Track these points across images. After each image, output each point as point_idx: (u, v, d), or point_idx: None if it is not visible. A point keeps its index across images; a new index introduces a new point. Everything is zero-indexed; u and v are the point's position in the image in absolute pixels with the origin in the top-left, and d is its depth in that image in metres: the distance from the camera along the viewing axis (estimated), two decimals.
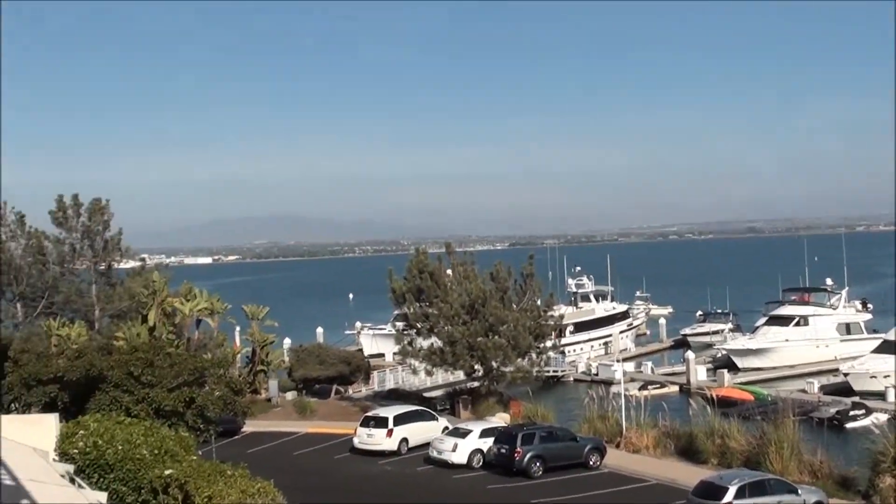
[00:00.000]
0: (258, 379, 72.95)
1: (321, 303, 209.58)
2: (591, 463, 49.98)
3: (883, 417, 66.45)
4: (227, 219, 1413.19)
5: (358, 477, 50.49)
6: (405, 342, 67.01)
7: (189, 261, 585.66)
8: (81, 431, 33.85)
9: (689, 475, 44.71)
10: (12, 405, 49.12)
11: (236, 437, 60.25)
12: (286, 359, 77.97)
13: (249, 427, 62.78)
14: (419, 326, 66.23)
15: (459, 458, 50.95)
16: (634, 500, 43.82)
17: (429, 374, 69.98)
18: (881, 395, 74.81)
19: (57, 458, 31.55)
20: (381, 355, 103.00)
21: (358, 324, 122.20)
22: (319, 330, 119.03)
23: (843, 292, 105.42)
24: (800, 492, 38.93)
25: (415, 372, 70.48)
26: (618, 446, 53.50)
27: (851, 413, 69.13)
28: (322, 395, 72.63)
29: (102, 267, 72.47)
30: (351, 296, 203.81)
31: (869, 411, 69.32)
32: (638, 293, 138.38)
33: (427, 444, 53.59)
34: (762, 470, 42.64)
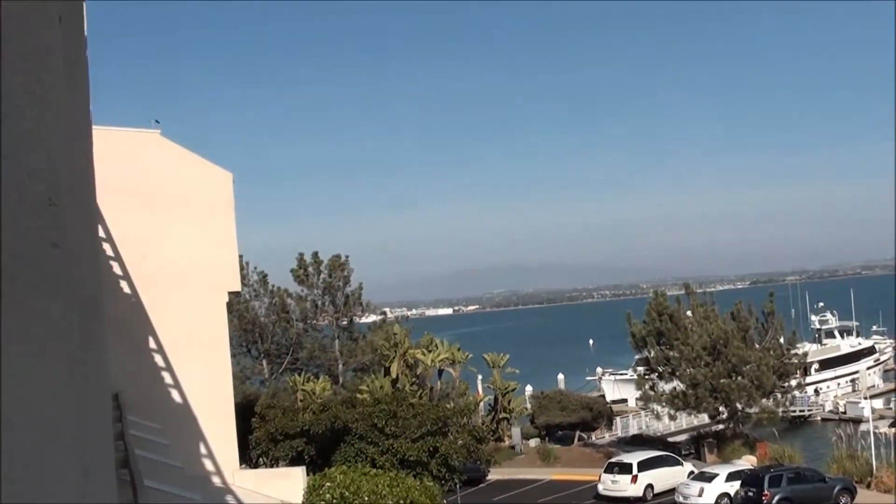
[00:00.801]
0: (501, 426, 73.54)
1: (561, 349, 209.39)
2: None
3: None
4: (466, 269, 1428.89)
5: None
6: (647, 386, 66.73)
7: (430, 312, 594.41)
8: (328, 483, 34.84)
9: None
10: (260, 459, 50.92)
11: (481, 485, 60.86)
12: (528, 406, 78.48)
13: (494, 475, 63.32)
14: (660, 370, 65.84)
15: (706, 502, 50.36)
16: None
17: (672, 418, 69.34)
18: None
19: None
20: (624, 400, 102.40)
21: (599, 369, 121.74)
22: (560, 376, 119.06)
23: None
24: None
25: (658, 416, 69.91)
26: (868, 486, 51.90)
27: None
28: (565, 442, 72.72)
29: (344, 322, 74.44)
30: (591, 341, 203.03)
31: None
32: (875, 328, 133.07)
33: (672, 490, 53.19)
34: None
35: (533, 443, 72.43)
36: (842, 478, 51.54)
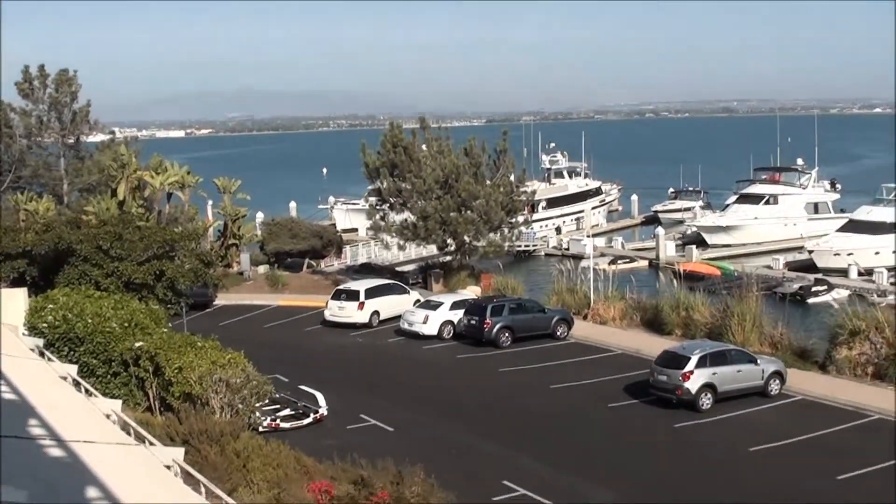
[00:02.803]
0: (230, 252, 73.10)
1: (294, 177, 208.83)
2: (558, 333, 50.83)
3: (844, 293, 68.07)
4: (200, 92, 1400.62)
5: (329, 348, 51.23)
6: (378, 217, 67.20)
7: (161, 134, 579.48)
8: (51, 305, 34.22)
9: (653, 345, 45.44)
10: None
11: (208, 309, 60.77)
12: (258, 232, 78.13)
13: (221, 300, 63.32)
14: (392, 201, 66.35)
15: (430, 329, 51.67)
16: (599, 369, 44.61)
17: (401, 248, 70.46)
18: (844, 273, 76.07)
19: (26, 332, 31.89)
20: (354, 230, 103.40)
21: (331, 198, 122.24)
22: (292, 204, 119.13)
23: (813, 172, 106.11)
24: (759, 362, 39.67)
25: (387, 246, 70.77)
26: (585, 318, 54.28)
27: (814, 289, 70.65)
28: (294, 269, 72.96)
29: (71, 140, 71.97)
30: (325, 170, 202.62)
31: (831, 287, 70.87)
32: (579, 167, 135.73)
33: (398, 317, 54.23)
34: (724, 341, 43.40)
35: (262, 269, 72.38)
36: (560, 309, 53.66)
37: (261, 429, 32.96)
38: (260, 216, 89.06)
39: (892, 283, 71.29)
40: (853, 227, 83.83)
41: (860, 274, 75.13)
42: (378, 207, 67.72)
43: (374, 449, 28.12)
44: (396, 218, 66.93)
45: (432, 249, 72.58)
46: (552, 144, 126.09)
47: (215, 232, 77.04)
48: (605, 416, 37.98)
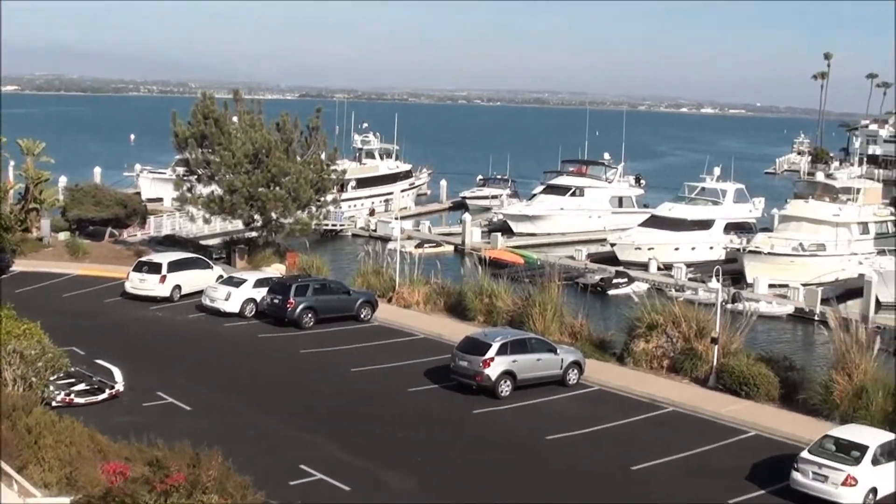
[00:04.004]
0: (30, 217, 70.98)
1: (101, 141, 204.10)
2: (362, 316, 50.98)
3: (643, 286, 70.25)
4: (5, 44, 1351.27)
5: (128, 321, 50.26)
6: (184, 188, 66.10)
7: None
8: None
9: (455, 331, 46.05)
10: None
11: (4, 276, 58.81)
12: (61, 198, 75.98)
13: (18, 266, 61.36)
14: (200, 173, 65.31)
15: (232, 306, 51.12)
16: (401, 353, 44.94)
17: (206, 221, 69.52)
18: (644, 266, 78.41)
19: None
20: (160, 200, 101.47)
21: (137, 166, 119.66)
22: (97, 170, 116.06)
23: (619, 167, 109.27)
24: (559, 351, 40.68)
25: (192, 219, 69.77)
26: (390, 301, 54.57)
27: (614, 281, 72.82)
28: (96, 238, 71.25)
29: None
30: (132, 136, 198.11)
31: (631, 280, 73.16)
32: (384, 145, 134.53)
33: (200, 293, 53.48)
34: (525, 329, 44.26)
35: (62, 236, 70.45)
36: (365, 291, 53.77)
37: (54, 403, 32.18)
38: (63, 181, 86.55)
39: (689, 279, 73.86)
40: (654, 222, 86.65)
41: (659, 268, 77.68)
42: (185, 178, 66.53)
43: (170, 428, 27.79)
44: (203, 190, 65.94)
45: (238, 224, 71.78)
46: (365, 124, 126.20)
47: (15, 195, 74.62)
48: (405, 401, 38.30)
